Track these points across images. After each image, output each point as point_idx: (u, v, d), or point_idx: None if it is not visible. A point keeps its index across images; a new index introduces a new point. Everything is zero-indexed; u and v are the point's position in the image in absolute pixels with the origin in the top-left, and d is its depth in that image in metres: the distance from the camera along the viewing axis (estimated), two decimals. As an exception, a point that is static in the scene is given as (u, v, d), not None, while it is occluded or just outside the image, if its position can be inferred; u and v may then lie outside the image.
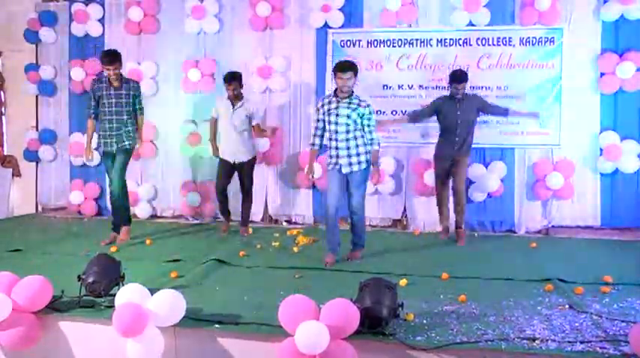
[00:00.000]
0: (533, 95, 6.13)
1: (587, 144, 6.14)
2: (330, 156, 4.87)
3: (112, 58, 5.32)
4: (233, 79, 5.72)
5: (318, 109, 4.98)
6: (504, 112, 5.72)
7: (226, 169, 5.91)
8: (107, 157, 5.57)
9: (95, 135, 5.64)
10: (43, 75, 7.26)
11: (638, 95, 6.00)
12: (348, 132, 4.76)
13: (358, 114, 4.74)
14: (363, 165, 4.81)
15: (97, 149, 6.10)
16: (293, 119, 6.69)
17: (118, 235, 5.59)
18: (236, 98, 5.79)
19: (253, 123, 5.88)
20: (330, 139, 4.85)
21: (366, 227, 5.25)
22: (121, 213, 5.61)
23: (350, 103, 4.75)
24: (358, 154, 4.79)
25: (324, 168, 5.66)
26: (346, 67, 4.70)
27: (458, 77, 5.53)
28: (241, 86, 5.82)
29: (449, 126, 5.58)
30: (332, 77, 5.00)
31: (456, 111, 5.53)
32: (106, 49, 6.20)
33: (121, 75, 5.49)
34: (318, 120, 4.96)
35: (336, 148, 4.81)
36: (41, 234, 6.06)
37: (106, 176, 5.81)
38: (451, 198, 5.78)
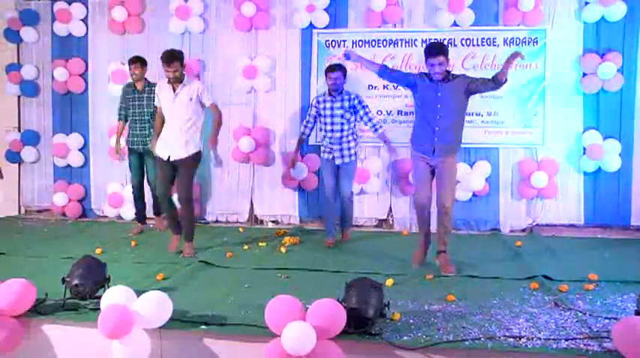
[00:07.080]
0: (517, 95, 6.18)
1: (571, 143, 6.21)
2: (325, 149, 5.49)
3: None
4: (173, 58, 4.87)
5: (312, 106, 5.54)
6: (495, 84, 4.40)
7: (164, 169, 5.01)
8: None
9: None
10: (26, 75, 7.16)
11: (620, 95, 6.08)
12: (342, 130, 5.36)
13: (351, 112, 5.34)
14: (353, 157, 5.45)
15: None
16: (279, 119, 6.67)
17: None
18: (177, 81, 4.96)
19: (207, 104, 5.01)
20: (325, 135, 5.44)
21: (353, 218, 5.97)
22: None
23: (342, 100, 5.35)
24: (349, 148, 5.41)
25: (316, 161, 6.17)
26: (335, 67, 5.37)
27: (432, 50, 4.42)
28: (183, 67, 4.99)
29: (426, 113, 4.51)
30: (324, 77, 5.56)
31: (435, 94, 4.44)
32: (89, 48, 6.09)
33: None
34: (309, 115, 5.55)
35: (330, 143, 5.40)
36: (25, 237, 5.98)
37: (130, 172, 6.28)
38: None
